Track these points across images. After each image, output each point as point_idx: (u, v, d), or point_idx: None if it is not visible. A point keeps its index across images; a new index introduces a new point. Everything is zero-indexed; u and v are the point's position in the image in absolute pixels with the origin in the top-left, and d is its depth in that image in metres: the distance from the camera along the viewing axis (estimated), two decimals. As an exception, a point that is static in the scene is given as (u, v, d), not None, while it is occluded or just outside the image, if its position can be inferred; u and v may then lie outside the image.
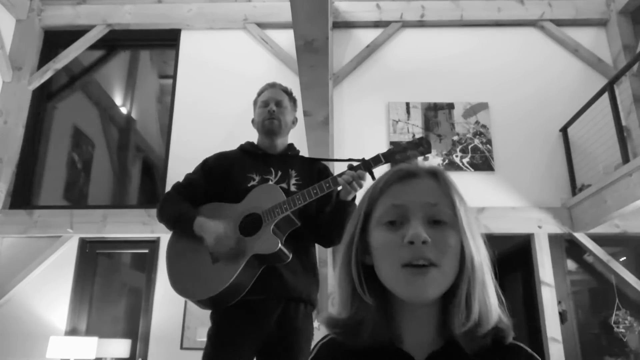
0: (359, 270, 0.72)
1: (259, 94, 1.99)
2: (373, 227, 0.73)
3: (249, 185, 1.80)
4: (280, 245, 1.64)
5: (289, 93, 2.00)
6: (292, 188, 1.81)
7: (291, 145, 1.98)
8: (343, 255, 0.75)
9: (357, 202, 1.78)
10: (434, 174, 0.75)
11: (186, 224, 1.72)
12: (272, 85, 1.99)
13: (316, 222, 1.79)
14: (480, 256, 0.71)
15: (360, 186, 1.67)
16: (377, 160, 1.70)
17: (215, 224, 1.68)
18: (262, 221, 1.70)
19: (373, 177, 1.69)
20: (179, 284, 1.73)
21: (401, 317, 0.72)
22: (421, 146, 1.70)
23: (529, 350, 0.73)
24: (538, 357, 0.72)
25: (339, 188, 1.72)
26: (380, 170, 1.68)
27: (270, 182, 1.81)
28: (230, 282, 1.61)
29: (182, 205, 1.78)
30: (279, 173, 1.84)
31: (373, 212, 0.74)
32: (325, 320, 0.75)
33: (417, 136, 4.25)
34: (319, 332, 3.66)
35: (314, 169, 1.90)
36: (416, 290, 0.67)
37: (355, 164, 1.70)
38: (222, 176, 1.84)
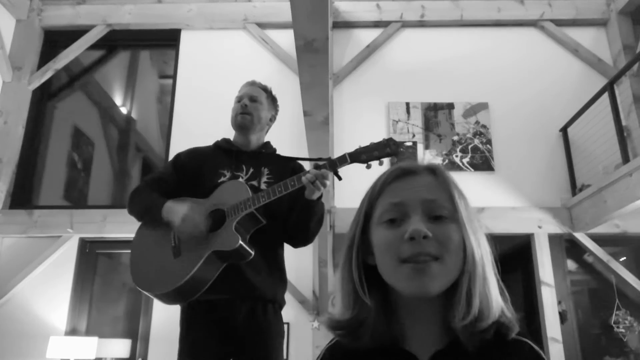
0: (359, 270, 0.72)
1: (239, 92, 1.99)
2: (374, 227, 0.73)
3: (219, 181, 1.78)
4: (240, 242, 1.62)
5: (267, 91, 1.99)
6: (263, 186, 1.79)
7: (267, 144, 1.97)
8: (344, 256, 0.75)
9: (329, 201, 1.78)
10: (432, 171, 0.75)
11: (155, 211, 1.71)
12: (250, 84, 2.00)
13: (284, 222, 1.77)
14: (481, 250, 0.71)
15: (324, 185, 1.63)
16: (342, 160, 1.68)
17: (183, 206, 1.67)
18: (226, 217, 1.68)
19: (339, 177, 1.67)
20: (138, 277, 1.73)
21: (404, 317, 0.72)
22: (388, 147, 1.67)
23: (533, 344, 0.71)
24: (541, 351, 0.71)
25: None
26: (345, 170, 1.69)
27: (241, 179, 1.80)
28: (188, 277, 1.60)
29: (152, 195, 1.78)
30: (251, 170, 1.83)
31: (373, 212, 0.74)
32: (326, 321, 0.75)
33: (412, 136, 4.25)
34: (319, 332, 3.66)
35: (288, 168, 1.87)
36: (418, 284, 0.66)
37: (321, 163, 1.68)
38: (193, 172, 1.83)
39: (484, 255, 0.71)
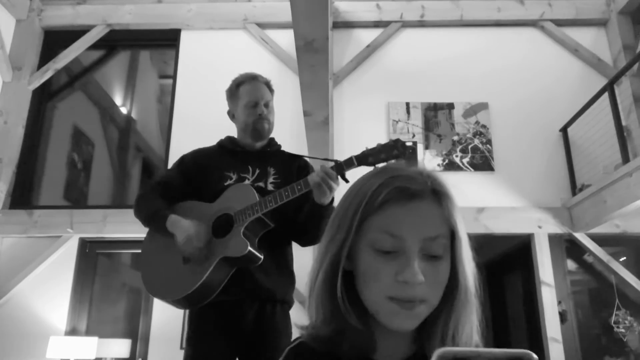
0: (342, 289, 0.68)
1: (238, 85, 1.88)
2: (362, 245, 0.68)
3: (225, 184, 1.77)
4: (249, 248, 1.62)
5: (271, 88, 1.93)
6: (270, 187, 1.78)
7: (272, 140, 1.93)
8: (326, 268, 0.69)
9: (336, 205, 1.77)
10: (438, 197, 0.68)
11: (160, 221, 1.70)
12: (253, 78, 1.89)
13: (293, 222, 1.75)
14: (473, 286, 0.69)
15: (331, 188, 1.60)
16: (349, 163, 1.65)
17: (188, 223, 1.65)
18: (234, 222, 1.67)
19: (345, 180, 1.61)
20: (150, 284, 1.72)
21: (378, 327, 0.70)
22: (396, 149, 1.63)
23: None
24: None
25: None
26: (353, 173, 1.67)
27: (247, 181, 1.78)
28: (198, 284, 1.60)
29: (157, 202, 1.76)
30: (257, 171, 1.81)
31: (364, 227, 0.67)
32: (309, 336, 0.72)
33: (412, 136, 4.25)
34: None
35: (294, 166, 1.85)
36: (400, 322, 0.65)
37: (329, 165, 1.65)
38: (199, 174, 1.81)
39: (472, 292, 0.69)
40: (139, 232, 4.28)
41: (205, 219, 1.70)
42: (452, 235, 0.68)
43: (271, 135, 1.94)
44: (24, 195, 4.35)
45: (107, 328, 4.07)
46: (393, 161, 1.64)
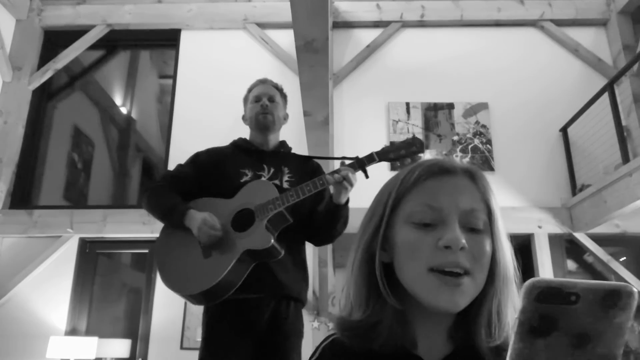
0: (381, 268, 0.66)
1: (250, 90, 1.98)
2: (400, 224, 0.67)
3: (241, 181, 1.78)
4: (272, 241, 1.63)
5: (280, 89, 1.99)
6: (285, 185, 1.80)
7: (283, 142, 1.97)
8: (362, 251, 0.68)
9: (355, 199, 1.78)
10: (471, 174, 0.69)
11: (178, 217, 1.70)
12: (263, 81, 1.98)
13: (308, 221, 1.78)
14: (512, 265, 0.67)
15: (351, 184, 1.64)
16: (370, 159, 1.70)
17: (199, 213, 1.67)
18: (255, 217, 1.68)
19: (366, 176, 1.69)
20: (169, 277, 1.71)
21: (416, 320, 0.67)
22: (414, 146, 1.71)
23: None
24: None
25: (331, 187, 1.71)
26: (374, 169, 1.70)
27: (263, 179, 1.80)
28: (221, 277, 1.60)
29: (172, 197, 1.76)
30: (272, 170, 1.83)
31: (400, 206, 0.67)
32: (336, 322, 0.70)
33: (411, 136, 4.26)
34: (319, 332, 3.63)
35: (307, 167, 1.90)
36: (446, 300, 0.62)
37: (347, 162, 1.69)
38: (214, 171, 1.82)
39: (512, 271, 0.67)
40: (139, 232, 4.30)
41: (225, 214, 1.71)
42: (489, 214, 0.67)
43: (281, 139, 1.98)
44: (24, 195, 4.35)
45: (107, 328, 4.07)
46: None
